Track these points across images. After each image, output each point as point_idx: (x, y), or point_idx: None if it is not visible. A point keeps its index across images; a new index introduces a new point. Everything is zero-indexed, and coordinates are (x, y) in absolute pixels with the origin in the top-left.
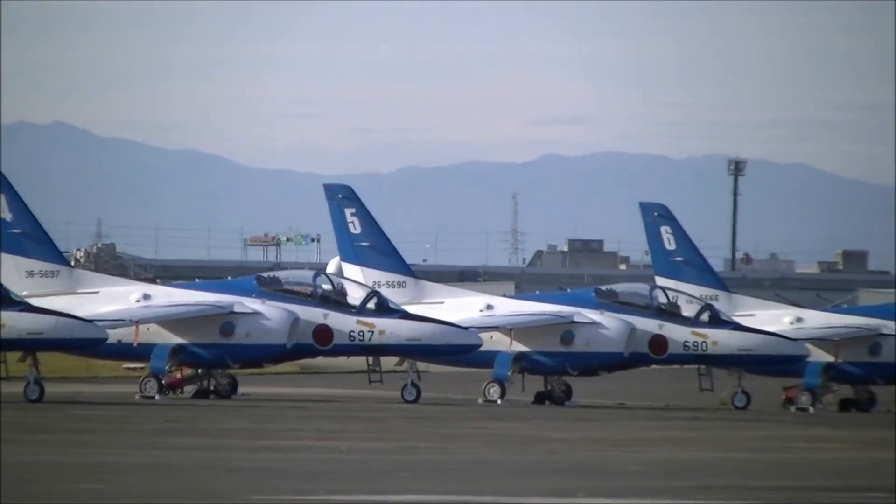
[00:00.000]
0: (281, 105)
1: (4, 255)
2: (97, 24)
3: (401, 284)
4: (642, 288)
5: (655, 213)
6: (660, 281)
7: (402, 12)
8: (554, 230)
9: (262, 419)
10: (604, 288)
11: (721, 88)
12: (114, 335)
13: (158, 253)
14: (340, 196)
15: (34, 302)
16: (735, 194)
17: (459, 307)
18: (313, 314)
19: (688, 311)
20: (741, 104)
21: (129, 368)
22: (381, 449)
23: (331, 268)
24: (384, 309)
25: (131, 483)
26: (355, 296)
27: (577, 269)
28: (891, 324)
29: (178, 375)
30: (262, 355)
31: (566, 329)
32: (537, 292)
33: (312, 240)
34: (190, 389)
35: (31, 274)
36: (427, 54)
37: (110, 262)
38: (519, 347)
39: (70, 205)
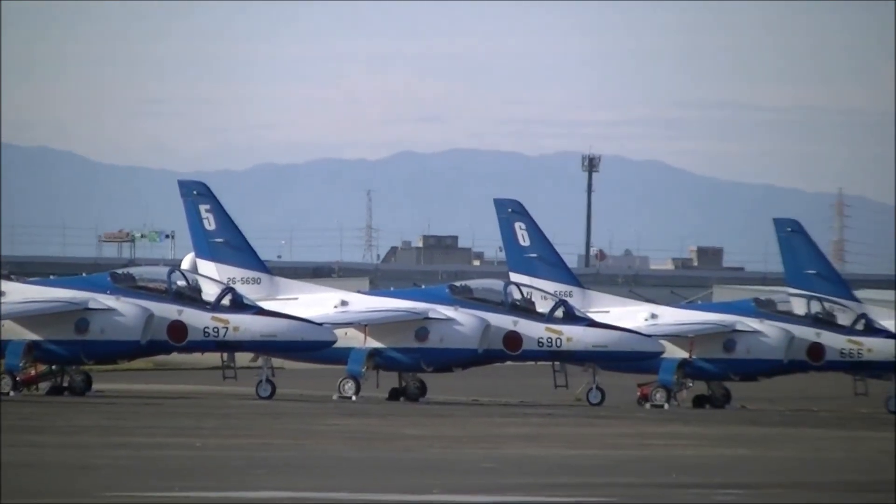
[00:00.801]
0: (133, 103)
1: None
2: None
3: (255, 280)
4: (496, 284)
5: (509, 210)
6: (514, 277)
7: (252, 10)
8: (408, 227)
9: (117, 416)
10: (458, 284)
11: (571, 86)
12: None
13: (13, 250)
14: (195, 192)
15: None
16: (589, 190)
17: (314, 303)
18: (168, 310)
19: (542, 307)
20: (592, 102)
21: None
22: (236, 445)
23: (185, 264)
24: (239, 305)
25: None
26: (210, 292)
27: (431, 265)
28: (746, 320)
29: (33, 372)
30: (117, 352)
31: (421, 325)
32: (392, 289)
33: (167, 236)
34: (44, 386)
35: None
36: (281, 52)
37: None
38: (373, 344)
39: None
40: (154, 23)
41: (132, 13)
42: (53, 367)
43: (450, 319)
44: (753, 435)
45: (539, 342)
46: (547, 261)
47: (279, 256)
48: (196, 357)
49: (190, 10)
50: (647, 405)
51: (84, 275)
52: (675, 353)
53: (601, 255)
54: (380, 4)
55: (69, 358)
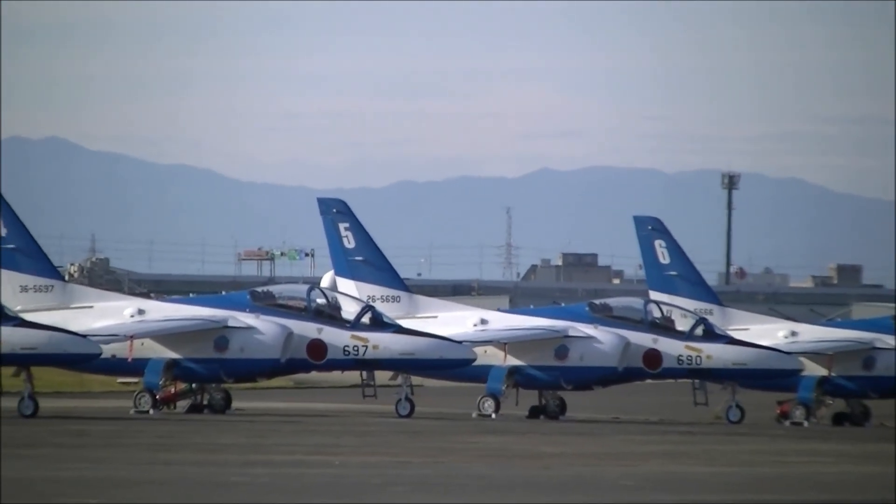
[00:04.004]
0: (272, 119)
1: None
2: (89, 40)
3: (395, 299)
4: (636, 302)
5: (649, 227)
6: (654, 295)
7: (391, 27)
8: (547, 244)
9: (256, 434)
10: (598, 302)
11: (709, 102)
12: (108, 350)
13: (152, 268)
14: (334, 210)
15: (28, 317)
16: (729, 208)
17: (453, 321)
18: (307, 329)
19: (682, 325)
20: (729, 118)
21: (123, 383)
22: (375, 463)
23: (325, 282)
24: (378, 323)
25: (125, 498)
26: (349, 310)
27: (570, 283)
28: (885, 338)
29: (172, 390)
30: (256, 370)
31: (560, 343)
32: (531, 306)
33: (306, 254)
34: (184, 404)
35: (25, 289)
36: (416, 69)
37: (104, 277)
38: (513, 362)
39: (63, 220)
40: (290, 38)
41: (269, 28)
42: (193, 385)
43: (590, 337)
44: (893, 453)
45: (679, 360)
46: (687, 278)
47: (419, 274)
48: (335, 375)
49: (327, 27)
50: (787, 423)
51: (223, 293)
52: (814, 370)
53: (741, 273)
54: (519, 20)
55: (208, 376)
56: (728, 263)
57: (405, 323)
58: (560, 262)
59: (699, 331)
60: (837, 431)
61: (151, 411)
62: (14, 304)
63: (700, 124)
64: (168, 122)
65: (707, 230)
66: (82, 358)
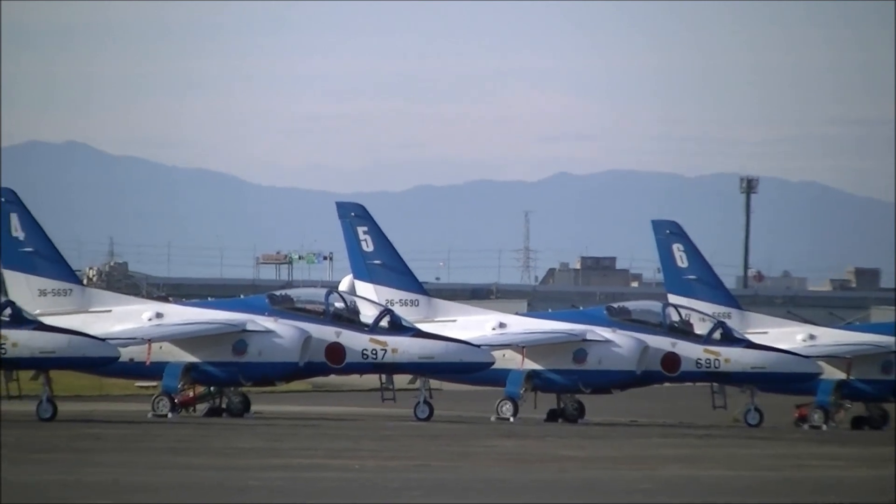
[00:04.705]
0: (291, 122)
1: (17, 274)
2: (110, 42)
3: (413, 302)
4: (655, 305)
5: (667, 231)
6: (672, 298)
7: (412, 29)
8: (566, 248)
9: (275, 438)
10: (616, 306)
11: (730, 106)
12: (126, 353)
13: (171, 271)
14: (353, 214)
15: (47, 320)
16: (748, 212)
17: (472, 325)
18: (326, 332)
19: (700, 328)
20: (750, 121)
21: (141, 387)
22: (393, 467)
23: (343, 286)
24: (397, 327)
25: (143, 502)
26: (368, 314)
27: (589, 286)
28: None
29: (191, 394)
30: (275, 373)
31: (578, 347)
32: (549, 310)
33: (325, 258)
34: (202, 408)
35: (43, 293)
36: (436, 71)
37: (122, 281)
38: (531, 365)
39: (82, 223)
40: (310, 41)
41: (289, 31)
42: (211, 388)
43: (608, 341)
44: None
45: (697, 363)
46: (705, 282)
47: (437, 278)
48: (354, 378)
49: (347, 30)
50: (805, 426)
51: (242, 296)
52: (833, 374)
53: (759, 277)
54: (539, 22)
55: (227, 380)
56: (746, 267)
57: (424, 327)
58: (578, 266)
59: (717, 334)
60: (856, 435)
61: (170, 415)
62: (33, 308)
63: (721, 128)
64: (187, 126)
65: (725, 234)
66: (101, 361)
